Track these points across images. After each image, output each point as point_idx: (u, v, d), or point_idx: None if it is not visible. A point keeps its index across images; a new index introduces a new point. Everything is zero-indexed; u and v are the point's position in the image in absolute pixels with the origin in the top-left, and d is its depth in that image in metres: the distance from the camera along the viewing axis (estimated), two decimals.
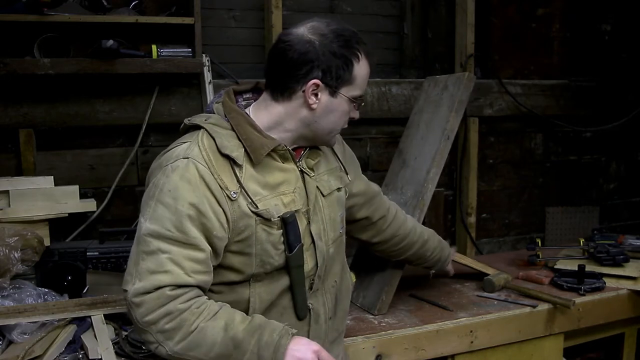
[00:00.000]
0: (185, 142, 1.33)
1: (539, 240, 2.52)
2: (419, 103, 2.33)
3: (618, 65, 3.12)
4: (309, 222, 1.41)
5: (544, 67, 3.01)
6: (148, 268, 1.24)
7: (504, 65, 2.91)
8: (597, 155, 3.24)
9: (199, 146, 1.31)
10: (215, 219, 1.27)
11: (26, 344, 1.63)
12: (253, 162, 1.33)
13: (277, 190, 1.35)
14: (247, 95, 1.46)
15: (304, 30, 1.33)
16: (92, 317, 1.77)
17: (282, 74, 1.34)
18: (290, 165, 1.39)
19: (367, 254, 2.10)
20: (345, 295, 1.57)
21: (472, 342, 1.95)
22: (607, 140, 3.20)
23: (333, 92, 1.34)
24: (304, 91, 1.33)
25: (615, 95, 3.10)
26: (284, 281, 1.38)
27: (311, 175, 1.43)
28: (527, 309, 2.03)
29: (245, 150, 1.32)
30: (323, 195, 1.45)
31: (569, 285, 2.20)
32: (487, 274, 2.23)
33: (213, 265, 1.31)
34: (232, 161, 1.31)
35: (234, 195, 1.29)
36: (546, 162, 3.12)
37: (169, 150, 1.35)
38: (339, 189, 1.51)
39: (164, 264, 1.23)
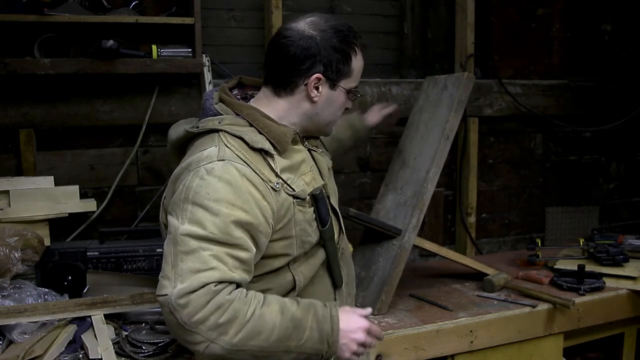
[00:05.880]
0: (210, 147, 1.31)
1: (538, 240, 2.51)
2: (419, 103, 2.33)
3: (618, 65, 3.12)
4: (328, 195, 1.47)
5: (544, 67, 3.01)
6: (190, 268, 1.20)
7: (504, 65, 2.91)
8: (597, 155, 3.24)
9: (228, 147, 1.30)
10: (261, 214, 1.28)
11: (26, 343, 1.63)
12: (279, 151, 1.37)
13: (299, 171, 1.40)
14: (235, 92, 1.49)
15: (305, 26, 1.37)
16: (92, 317, 1.77)
17: (284, 69, 1.38)
18: (301, 147, 1.45)
19: (368, 254, 2.11)
20: (349, 261, 1.62)
21: (472, 342, 1.95)
22: (607, 140, 3.20)
23: (333, 85, 1.40)
24: (306, 85, 1.38)
25: (615, 95, 3.10)
26: (320, 255, 1.45)
27: (318, 151, 1.52)
28: (527, 309, 2.03)
29: (269, 141, 1.36)
30: (328, 169, 1.54)
31: (568, 285, 2.20)
32: (487, 274, 2.23)
33: (256, 261, 1.32)
34: (264, 153, 1.34)
35: (277, 186, 1.32)
36: (546, 162, 3.12)
37: (192, 155, 1.32)
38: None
39: (209, 261, 1.21)
